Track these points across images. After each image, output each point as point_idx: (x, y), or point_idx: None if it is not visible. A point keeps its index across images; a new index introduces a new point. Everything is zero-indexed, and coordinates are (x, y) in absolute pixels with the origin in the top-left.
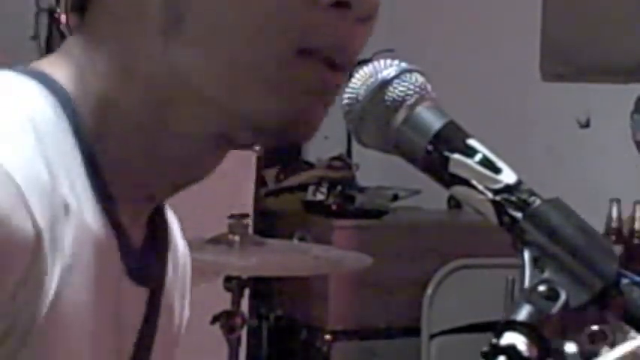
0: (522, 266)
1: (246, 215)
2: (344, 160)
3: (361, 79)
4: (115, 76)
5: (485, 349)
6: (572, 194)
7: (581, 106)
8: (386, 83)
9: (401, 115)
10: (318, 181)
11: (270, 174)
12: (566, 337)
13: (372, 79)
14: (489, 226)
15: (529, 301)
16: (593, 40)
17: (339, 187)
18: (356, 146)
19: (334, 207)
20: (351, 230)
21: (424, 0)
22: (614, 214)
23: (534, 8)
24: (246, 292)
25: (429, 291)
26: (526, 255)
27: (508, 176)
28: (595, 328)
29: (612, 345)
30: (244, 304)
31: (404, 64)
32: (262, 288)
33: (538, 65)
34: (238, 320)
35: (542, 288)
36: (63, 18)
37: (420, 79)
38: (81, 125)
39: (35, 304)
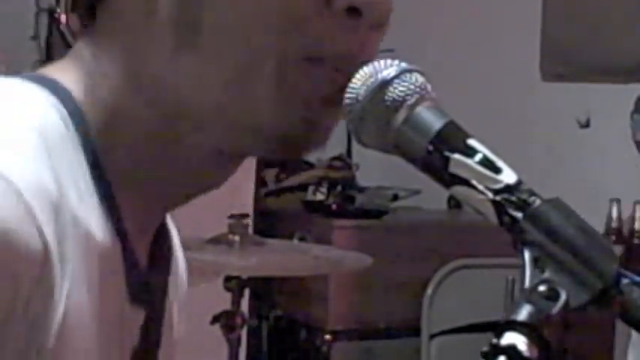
0: (522, 266)
1: (246, 215)
2: (344, 160)
3: (361, 79)
4: (125, 84)
5: (485, 349)
6: (572, 194)
7: (581, 106)
8: (386, 83)
9: (401, 115)
10: (318, 181)
11: (270, 174)
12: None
13: (372, 79)
14: (489, 226)
15: (529, 301)
16: (593, 40)
17: (339, 187)
18: (356, 146)
19: (334, 207)
20: (351, 230)
21: (424, 0)
22: (614, 214)
23: (534, 8)
24: (246, 292)
25: (429, 291)
26: (526, 255)
27: (508, 176)
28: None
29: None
30: (244, 304)
31: (404, 64)
32: (262, 288)
33: (538, 65)
34: (238, 320)
35: (542, 288)
36: (63, 18)
37: (420, 79)
38: (89, 136)
39: (45, 321)
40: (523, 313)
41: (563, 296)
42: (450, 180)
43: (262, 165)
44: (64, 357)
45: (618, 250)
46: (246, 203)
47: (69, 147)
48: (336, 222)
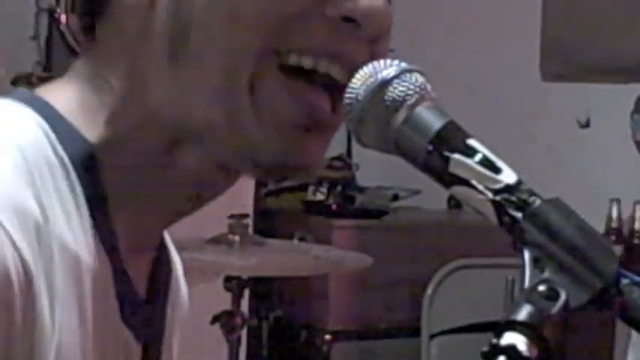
0: (522, 266)
1: (246, 215)
2: (344, 160)
3: (361, 79)
4: (125, 102)
5: (485, 349)
6: (572, 194)
7: (581, 106)
8: (386, 83)
9: (401, 115)
10: (318, 181)
11: None
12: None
13: (371, 79)
14: (489, 226)
15: (529, 301)
16: (593, 40)
17: (339, 187)
18: (356, 146)
19: (334, 207)
20: (351, 230)
21: (424, 0)
22: (614, 214)
23: (534, 8)
24: (246, 292)
25: (429, 291)
26: (526, 255)
27: (508, 176)
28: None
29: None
30: (244, 304)
31: (404, 64)
32: (262, 288)
33: (538, 65)
34: (238, 320)
35: (542, 288)
36: (63, 18)
37: (420, 79)
38: (82, 156)
39: (40, 352)
40: (523, 313)
41: (563, 296)
42: (450, 180)
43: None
44: None
45: (618, 250)
46: (246, 203)
47: (56, 169)
48: (336, 222)
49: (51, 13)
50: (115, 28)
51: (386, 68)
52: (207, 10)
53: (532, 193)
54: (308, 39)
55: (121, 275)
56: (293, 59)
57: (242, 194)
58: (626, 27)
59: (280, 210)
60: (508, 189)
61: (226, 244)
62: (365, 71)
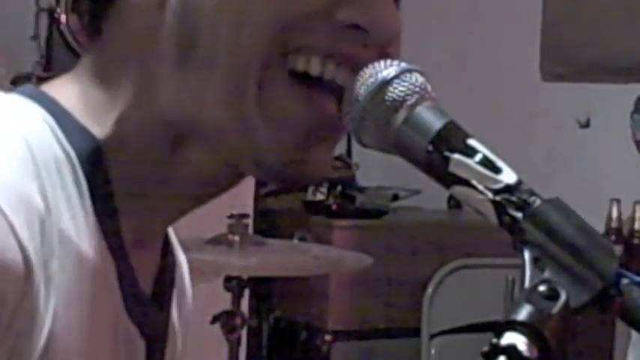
0: (522, 266)
1: (246, 215)
2: (344, 160)
3: (361, 79)
4: (132, 100)
5: (485, 349)
6: (572, 194)
7: (581, 106)
8: (386, 83)
9: (401, 115)
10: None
11: None
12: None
13: (372, 79)
14: (489, 226)
15: (529, 301)
16: (593, 40)
17: (339, 187)
18: (356, 146)
19: (334, 207)
20: (351, 230)
21: (424, 0)
22: (614, 214)
23: (534, 8)
24: (246, 292)
25: (429, 291)
26: (526, 255)
27: (508, 176)
28: None
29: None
30: (244, 304)
31: (404, 64)
32: (262, 288)
33: (538, 65)
34: (238, 320)
35: (542, 288)
36: (63, 18)
37: (420, 79)
38: (89, 151)
39: (30, 338)
40: (523, 313)
41: (563, 296)
42: (450, 180)
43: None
44: None
45: (618, 250)
46: (246, 203)
47: (62, 164)
48: (336, 222)
49: (51, 13)
50: (124, 27)
51: (386, 68)
52: (215, 13)
53: (532, 193)
54: (316, 43)
55: (125, 270)
56: (300, 64)
57: (242, 194)
58: (626, 27)
59: (280, 210)
60: (508, 189)
61: (226, 244)
62: (365, 71)
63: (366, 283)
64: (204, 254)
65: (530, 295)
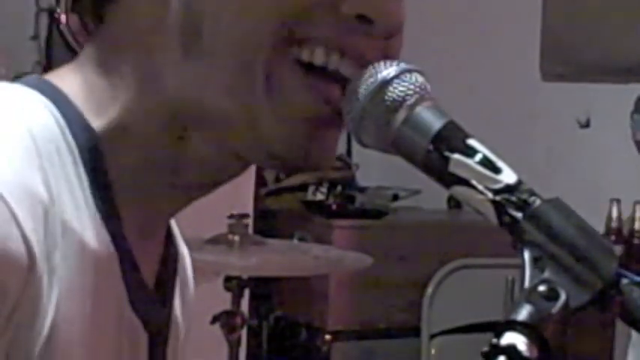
0: (522, 266)
1: (246, 215)
2: (344, 160)
3: (361, 79)
4: (134, 89)
5: (485, 349)
6: (572, 194)
7: (581, 106)
8: (386, 83)
9: (401, 115)
10: (318, 181)
11: (270, 174)
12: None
13: (371, 79)
14: (489, 226)
15: (529, 301)
16: (593, 39)
17: (339, 187)
18: (356, 146)
19: (334, 207)
20: (351, 230)
21: (424, 0)
22: (614, 214)
23: (534, 8)
24: (246, 292)
25: (429, 291)
26: (526, 255)
27: (508, 176)
28: None
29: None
30: (244, 304)
31: (404, 64)
32: (262, 288)
33: (538, 65)
34: (238, 320)
35: (542, 288)
36: (63, 18)
37: (420, 79)
38: (90, 143)
39: (32, 328)
40: (523, 313)
41: (563, 296)
42: (450, 180)
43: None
44: None
45: (618, 250)
46: (246, 203)
47: (64, 155)
48: (336, 222)
49: (51, 13)
50: (127, 15)
51: (386, 68)
52: (220, 2)
53: (532, 193)
54: (321, 33)
55: (127, 262)
56: (305, 55)
57: (242, 194)
58: (626, 27)
59: (280, 210)
60: (508, 189)
61: (226, 244)
62: (365, 72)
63: (366, 283)
64: (204, 254)
65: (530, 295)
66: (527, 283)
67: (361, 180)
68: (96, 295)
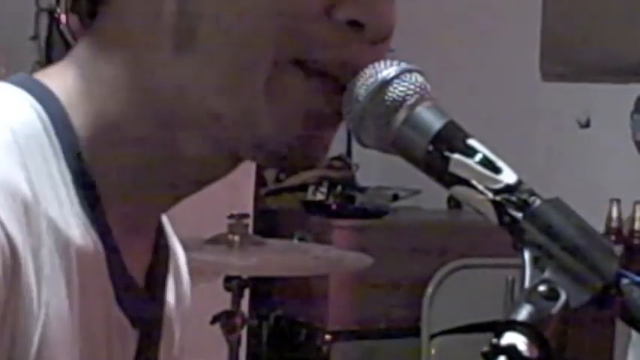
0: (522, 266)
1: (246, 215)
2: (344, 160)
3: (361, 79)
4: (124, 88)
5: (485, 349)
6: (572, 194)
7: (581, 106)
8: (386, 83)
9: (401, 115)
10: (318, 181)
11: (270, 174)
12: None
13: (371, 79)
14: (489, 226)
15: (529, 301)
16: (593, 39)
17: (339, 187)
18: (356, 146)
19: (334, 207)
20: (351, 230)
21: (424, 0)
22: (614, 214)
23: (534, 8)
24: (246, 292)
25: (429, 291)
26: (526, 255)
27: (508, 176)
28: None
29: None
30: (244, 304)
31: (404, 64)
32: (262, 288)
33: (538, 65)
34: (238, 320)
35: (542, 288)
36: (63, 18)
37: (420, 79)
38: (74, 141)
39: (27, 330)
40: (523, 313)
41: (563, 296)
42: (450, 180)
43: (262, 165)
44: None
45: (618, 250)
46: (246, 203)
47: (48, 152)
48: (336, 222)
49: (51, 13)
50: (119, 14)
51: (386, 68)
52: (218, 3)
53: (532, 193)
54: (316, 37)
55: (114, 259)
56: (302, 57)
57: (242, 194)
58: (626, 27)
59: (280, 210)
60: (508, 189)
61: (226, 244)
62: (365, 71)
63: (366, 283)
64: (204, 254)
65: (530, 295)
66: (527, 283)
67: (361, 180)
68: (83, 293)
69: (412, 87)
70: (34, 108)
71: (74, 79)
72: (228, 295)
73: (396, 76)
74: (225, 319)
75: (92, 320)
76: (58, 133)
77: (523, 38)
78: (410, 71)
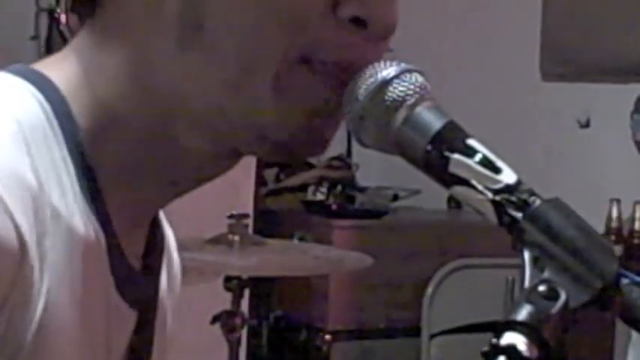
0: (522, 266)
1: (246, 215)
2: (344, 160)
3: (361, 79)
4: (124, 80)
5: (485, 349)
6: (572, 194)
7: (581, 106)
8: (386, 83)
9: (401, 115)
10: (318, 181)
11: (270, 174)
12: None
13: (371, 79)
14: (489, 226)
15: (529, 301)
16: (593, 40)
17: (339, 187)
18: (356, 146)
19: (334, 207)
20: (351, 230)
21: (424, 1)
22: (614, 214)
23: (534, 8)
24: (246, 292)
25: (429, 291)
26: (526, 255)
27: (508, 176)
28: None
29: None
30: (244, 304)
31: (404, 64)
32: (262, 288)
33: (538, 65)
34: (238, 320)
35: (542, 288)
36: (63, 18)
37: (420, 79)
38: (75, 131)
39: (24, 316)
40: (523, 313)
41: (563, 296)
42: (450, 180)
43: (262, 165)
44: (44, 351)
45: (618, 250)
46: (246, 203)
47: (51, 141)
48: (336, 222)
49: (51, 13)
50: (121, 4)
51: (386, 68)
52: (223, 4)
53: (532, 193)
54: (320, 35)
55: (114, 248)
56: (306, 53)
57: (242, 194)
58: (626, 27)
59: (280, 210)
60: (508, 189)
61: (226, 244)
62: (365, 71)
63: (366, 283)
64: (204, 254)
65: (530, 295)
66: (527, 283)
67: (361, 180)
68: (84, 280)
69: (412, 87)
70: (36, 98)
71: (74, 69)
72: (228, 295)
73: (396, 76)
74: (225, 319)
75: (92, 307)
76: (60, 123)
77: (523, 38)
78: (410, 71)
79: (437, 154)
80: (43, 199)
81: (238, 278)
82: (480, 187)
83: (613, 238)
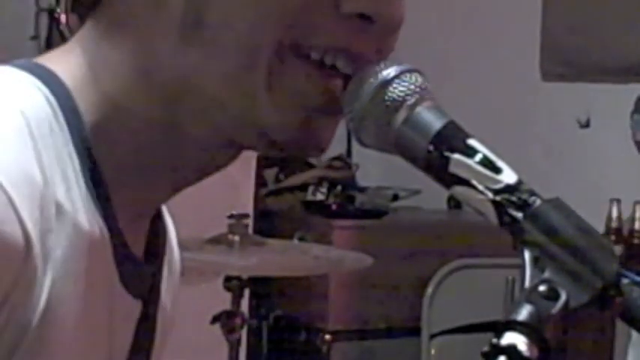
0: (522, 266)
1: (246, 215)
2: (344, 160)
3: (361, 79)
4: (128, 74)
5: (485, 349)
6: (572, 194)
7: (581, 106)
8: (386, 83)
9: (401, 115)
10: (318, 181)
11: (270, 174)
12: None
13: (372, 79)
14: (489, 226)
15: (529, 301)
16: (593, 40)
17: (339, 187)
18: (356, 146)
19: (334, 207)
20: (351, 230)
21: (424, 0)
22: (614, 214)
23: (534, 8)
24: (246, 292)
25: (429, 291)
26: (526, 255)
27: (508, 176)
28: None
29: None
30: (244, 304)
31: (404, 64)
32: (262, 288)
33: (538, 65)
34: (238, 320)
35: (542, 288)
36: (63, 18)
37: (420, 79)
38: (80, 125)
39: (26, 311)
40: (523, 313)
41: (563, 296)
42: (450, 180)
43: (262, 165)
44: (46, 343)
45: (618, 250)
46: (246, 203)
47: (57, 136)
48: (336, 222)
49: (51, 13)
50: (124, 1)
51: (386, 68)
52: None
53: (532, 193)
54: (321, 30)
55: (119, 242)
56: (305, 49)
57: (242, 194)
58: (626, 27)
59: (280, 210)
60: (508, 189)
61: (226, 244)
62: (365, 72)
63: (366, 283)
64: (204, 254)
65: (530, 295)
66: (527, 283)
67: (361, 180)
68: (88, 275)
69: (412, 87)
70: (42, 92)
71: (79, 63)
72: (228, 295)
73: (396, 76)
74: (225, 319)
75: (95, 302)
76: (66, 118)
77: (523, 38)
78: (410, 71)
79: (437, 154)
80: (48, 195)
81: (238, 278)
82: (480, 187)
83: (613, 238)
